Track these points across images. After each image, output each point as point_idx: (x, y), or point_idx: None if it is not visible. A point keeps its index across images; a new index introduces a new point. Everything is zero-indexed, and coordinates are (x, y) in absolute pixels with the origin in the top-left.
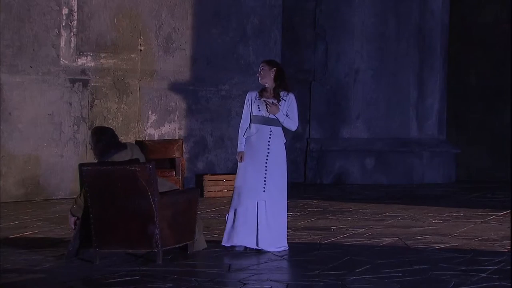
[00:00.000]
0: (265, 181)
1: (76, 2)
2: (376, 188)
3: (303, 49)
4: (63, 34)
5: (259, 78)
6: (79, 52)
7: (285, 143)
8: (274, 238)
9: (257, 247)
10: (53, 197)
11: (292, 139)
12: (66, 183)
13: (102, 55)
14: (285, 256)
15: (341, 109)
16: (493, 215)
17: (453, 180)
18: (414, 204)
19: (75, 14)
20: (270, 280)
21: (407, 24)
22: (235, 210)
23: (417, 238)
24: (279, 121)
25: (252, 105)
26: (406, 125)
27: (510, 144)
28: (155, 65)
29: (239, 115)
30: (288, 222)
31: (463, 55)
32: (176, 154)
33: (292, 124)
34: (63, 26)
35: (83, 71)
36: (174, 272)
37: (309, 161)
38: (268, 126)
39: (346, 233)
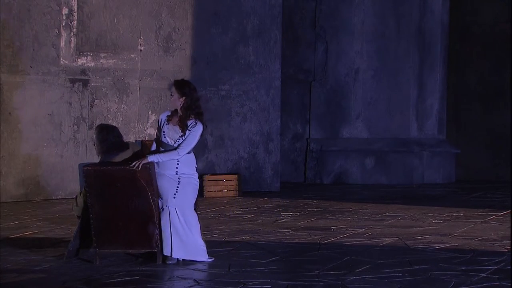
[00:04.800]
0: (177, 190)
1: (76, 2)
2: (376, 188)
3: (303, 49)
4: (63, 34)
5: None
6: (79, 52)
7: (196, 168)
8: (191, 249)
9: (172, 255)
10: (53, 197)
11: (292, 139)
12: (66, 183)
13: (102, 55)
14: (285, 256)
15: (341, 109)
16: (493, 215)
17: (453, 180)
18: (414, 204)
19: (75, 14)
20: (270, 280)
21: (407, 24)
22: None
23: (417, 238)
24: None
25: (160, 129)
26: (406, 125)
27: (510, 144)
28: (155, 65)
29: (239, 115)
30: (288, 222)
31: (463, 55)
32: None
33: (173, 155)
34: (63, 26)
35: (83, 71)
36: (174, 272)
37: (309, 161)
38: None
39: (346, 233)
